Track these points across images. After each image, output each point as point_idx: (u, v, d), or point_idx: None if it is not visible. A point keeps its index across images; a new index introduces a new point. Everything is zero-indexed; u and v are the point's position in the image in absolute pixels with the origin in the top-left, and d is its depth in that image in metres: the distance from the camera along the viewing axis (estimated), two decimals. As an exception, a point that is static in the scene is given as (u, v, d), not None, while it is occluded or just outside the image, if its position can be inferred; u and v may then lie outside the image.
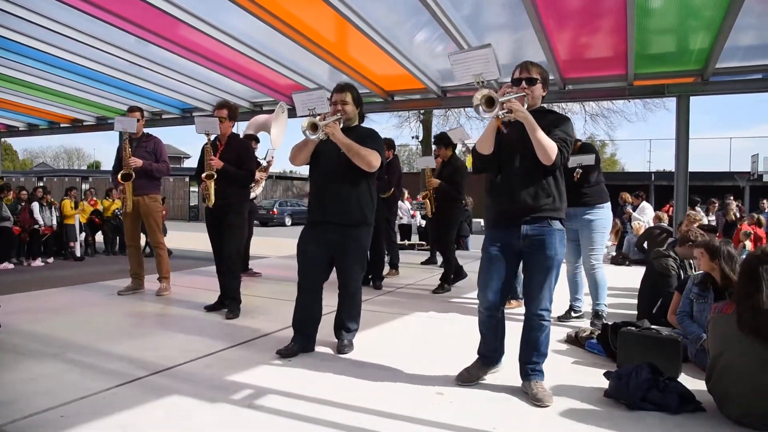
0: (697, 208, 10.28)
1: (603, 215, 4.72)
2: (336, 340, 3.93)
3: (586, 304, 4.99)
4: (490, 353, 3.22)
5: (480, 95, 2.72)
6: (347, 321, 3.91)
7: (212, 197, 4.87)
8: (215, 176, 4.86)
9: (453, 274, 6.37)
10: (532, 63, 3.04)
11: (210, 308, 5.04)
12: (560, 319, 4.84)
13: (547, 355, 3.09)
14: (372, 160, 3.56)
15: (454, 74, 3.00)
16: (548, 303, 3.00)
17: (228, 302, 4.92)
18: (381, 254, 6.65)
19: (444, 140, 6.46)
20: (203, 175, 4.91)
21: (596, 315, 4.68)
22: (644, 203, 11.21)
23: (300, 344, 3.76)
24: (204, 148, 5.01)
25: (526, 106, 2.83)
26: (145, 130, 6.02)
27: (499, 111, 2.70)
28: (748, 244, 8.59)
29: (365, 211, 3.70)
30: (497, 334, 3.20)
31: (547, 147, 2.78)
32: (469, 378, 3.17)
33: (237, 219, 5.00)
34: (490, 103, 2.70)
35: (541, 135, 2.77)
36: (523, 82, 2.97)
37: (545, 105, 3.23)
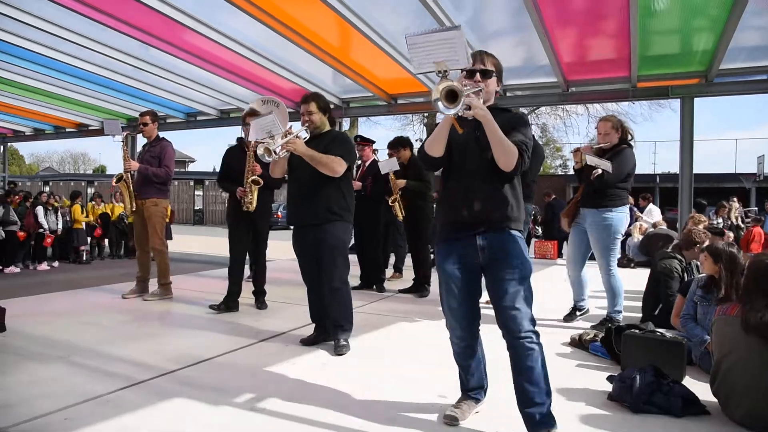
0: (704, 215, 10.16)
1: (616, 219, 4.48)
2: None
3: (592, 306, 5.02)
4: (478, 384, 2.80)
5: (441, 87, 2.25)
6: (339, 319, 3.91)
7: (255, 202, 5.07)
8: (261, 183, 5.07)
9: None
10: (486, 53, 2.67)
11: (216, 309, 5.13)
12: (566, 319, 4.84)
13: (551, 392, 2.51)
14: (335, 166, 3.75)
15: (411, 60, 2.46)
16: (528, 322, 2.46)
17: (258, 295, 5.36)
18: (377, 260, 6.59)
19: (401, 143, 6.42)
20: (250, 179, 5.05)
21: (611, 321, 4.47)
22: (651, 205, 11.18)
23: (317, 333, 4.07)
24: (232, 152, 5.32)
25: (482, 101, 2.44)
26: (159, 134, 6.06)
27: (462, 108, 2.27)
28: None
29: (335, 208, 3.86)
30: (480, 362, 2.81)
31: (508, 150, 2.40)
32: (462, 417, 2.71)
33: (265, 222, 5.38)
34: (452, 97, 2.25)
35: (502, 137, 2.39)
36: (477, 74, 2.59)
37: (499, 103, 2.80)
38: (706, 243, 4.45)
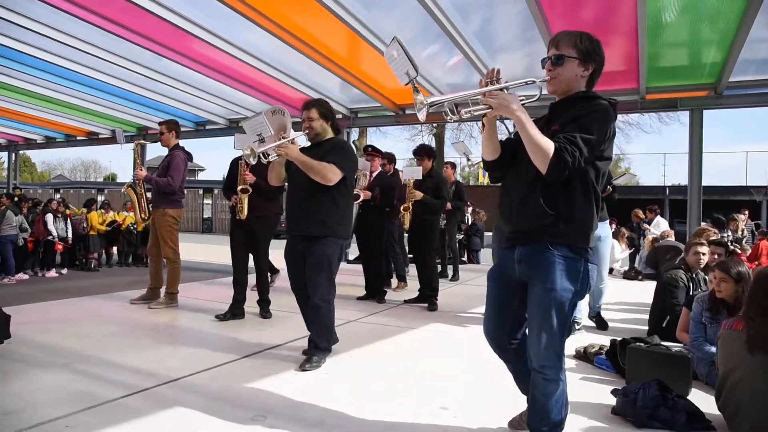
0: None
1: (607, 231, 5.01)
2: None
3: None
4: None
5: (417, 100, 2.21)
6: (314, 336, 3.77)
7: (245, 210, 5.04)
8: (249, 191, 5.04)
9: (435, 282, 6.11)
10: (565, 33, 2.28)
11: (222, 318, 5.12)
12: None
13: (562, 425, 2.33)
14: (327, 173, 3.60)
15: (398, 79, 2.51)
16: (552, 354, 2.22)
17: (262, 303, 5.27)
18: (379, 271, 6.56)
19: (425, 151, 6.30)
20: (239, 188, 5.04)
21: (594, 316, 5.07)
22: (658, 218, 11.11)
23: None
24: (237, 162, 5.16)
25: (516, 97, 2.14)
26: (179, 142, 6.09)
27: (470, 110, 2.17)
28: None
29: (327, 222, 3.71)
30: (521, 372, 2.55)
31: (540, 150, 2.08)
32: (519, 425, 2.64)
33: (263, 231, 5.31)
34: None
35: (534, 134, 2.08)
36: (549, 62, 2.27)
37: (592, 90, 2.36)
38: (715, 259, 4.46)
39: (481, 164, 2.65)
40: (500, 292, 2.45)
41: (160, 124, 6.03)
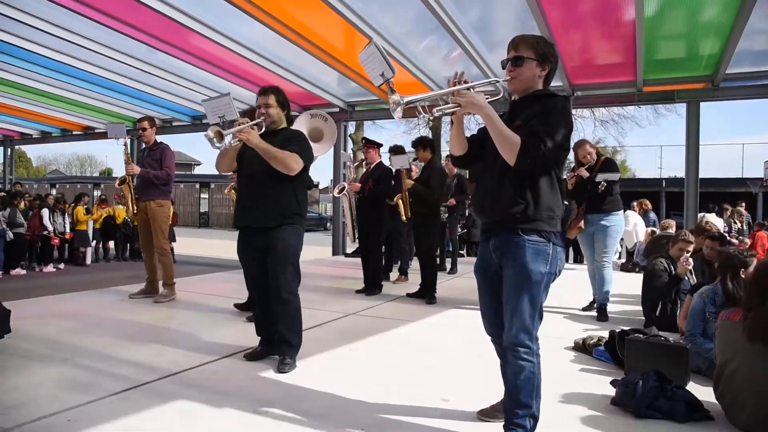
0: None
1: (617, 222, 5.33)
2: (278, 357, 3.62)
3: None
4: None
5: (392, 100, 2.31)
6: (285, 333, 3.56)
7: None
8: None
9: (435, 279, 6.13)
10: (524, 37, 2.45)
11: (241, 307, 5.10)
12: (584, 309, 5.48)
13: (532, 408, 2.36)
14: (290, 163, 3.45)
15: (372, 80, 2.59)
16: (524, 335, 2.31)
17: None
18: (379, 265, 6.55)
19: (422, 142, 6.29)
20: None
21: (598, 307, 5.28)
22: (629, 212, 11.10)
23: (263, 347, 3.75)
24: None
25: (481, 97, 2.27)
26: (157, 138, 6.10)
27: (440, 108, 2.29)
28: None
29: (286, 212, 3.56)
30: None
31: (507, 143, 2.23)
32: (490, 414, 2.75)
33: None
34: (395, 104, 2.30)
35: (500, 128, 2.24)
36: (510, 63, 2.43)
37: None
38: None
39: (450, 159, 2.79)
40: (488, 283, 2.53)
41: (140, 120, 6.01)
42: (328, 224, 24.91)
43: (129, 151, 6.07)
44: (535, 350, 2.36)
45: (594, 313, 5.34)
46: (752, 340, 2.62)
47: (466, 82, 2.31)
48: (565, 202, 12.47)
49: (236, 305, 5.19)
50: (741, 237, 9.99)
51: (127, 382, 3.17)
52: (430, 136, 26.60)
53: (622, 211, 5.46)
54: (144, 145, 6.09)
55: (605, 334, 3.97)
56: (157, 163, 5.82)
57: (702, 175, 8.08)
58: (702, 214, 9.54)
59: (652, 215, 11.31)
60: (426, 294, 6.04)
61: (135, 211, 5.89)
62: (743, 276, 3.37)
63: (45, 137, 14.18)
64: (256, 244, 3.60)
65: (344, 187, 6.34)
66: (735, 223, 11.14)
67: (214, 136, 3.27)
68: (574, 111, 23.24)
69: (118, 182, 5.94)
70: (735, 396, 2.71)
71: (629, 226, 10.33)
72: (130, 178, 5.82)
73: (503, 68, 2.48)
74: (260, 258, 3.60)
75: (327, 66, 7.57)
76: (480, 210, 2.51)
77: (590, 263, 5.51)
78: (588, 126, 25.52)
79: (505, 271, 2.38)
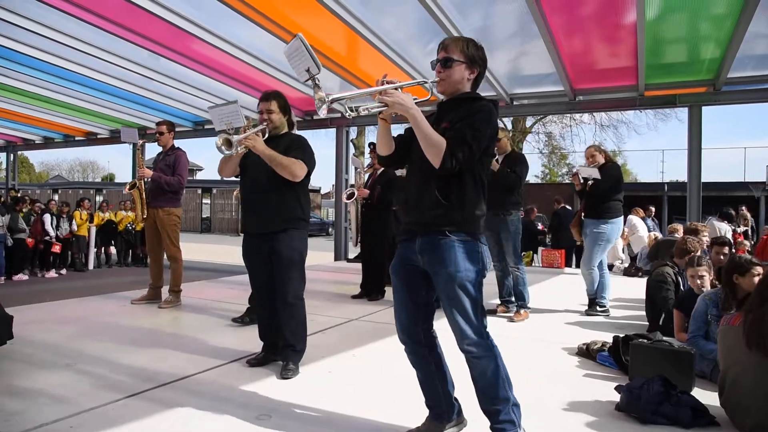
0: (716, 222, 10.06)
1: (606, 230, 5.45)
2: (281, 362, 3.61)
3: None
4: (432, 403, 2.62)
5: (317, 97, 2.30)
6: (291, 338, 3.55)
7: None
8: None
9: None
10: (454, 39, 2.46)
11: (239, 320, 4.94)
12: (587, 312, 5.55)
13: (511, 399, 2.37)
14: (295, 170, 3.47)
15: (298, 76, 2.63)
16: (472, 333, 2.32)
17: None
18: (380, 270, 6.48)
19: None
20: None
21: (592, 302, 5.55)
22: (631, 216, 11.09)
23: (266, 353, 3.75)
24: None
25: (407, 97, 2.26)
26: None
27: (367, 107, 2.28)
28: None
29: (291, 216, 3.58)
30: (431, 377, 2.61)
31: (433, 145, 2.22)
32: None
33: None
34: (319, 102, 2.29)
35: (426, 131, 2.23)
36: (439, 65, 2.42)
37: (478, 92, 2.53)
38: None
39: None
40: (406, 285, 2.50)
41: (159, 124, 6.01)
42: (330, 229, 24.90)
43: (142, 155, 6.07)
44: (490, 343, 2.37)
45: (597, 318, 5.36)
46: (749, 345, 2.61)
47: (392, 83, 2.30)
48: (566, 206, 12.47)
49: (234, 319, 4.99)
50: (744, 241, 9.96)
51: (131, 388, 3.16)
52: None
53: (619, 219, 5.56)
54: (161, 150, 6.02)
55: (609, 339, 3.95)
56: (170, 168, 5.77)
57: (704, 179, 8.06)
58: (708, 218, 9.53)
59: (650, 222, 11.30)
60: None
61: (145, 216, 5.85)
62: (736, 281, 3.40)
63: (47, 143, 14.21)
64: (261, 249, 3.61)
65: (353, 193, 6.36)
66: (740, 226, 11.13)
67: (222, 144, 3.34)
68: (576, 116, 23.29)
69: (127, 188, 5.90)
70: (739, 401, 2.69)
71: (639, 232, 10.32)
72: (141, 182, 5.81)
73: (432, 69, 2.47)
74: (265, 263, 3.61)
75: (329, 71, 7.58)
76: (405, 210, 2.49)
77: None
78: (589, 131, 25.52)
79: (437, 276, 2.36)
